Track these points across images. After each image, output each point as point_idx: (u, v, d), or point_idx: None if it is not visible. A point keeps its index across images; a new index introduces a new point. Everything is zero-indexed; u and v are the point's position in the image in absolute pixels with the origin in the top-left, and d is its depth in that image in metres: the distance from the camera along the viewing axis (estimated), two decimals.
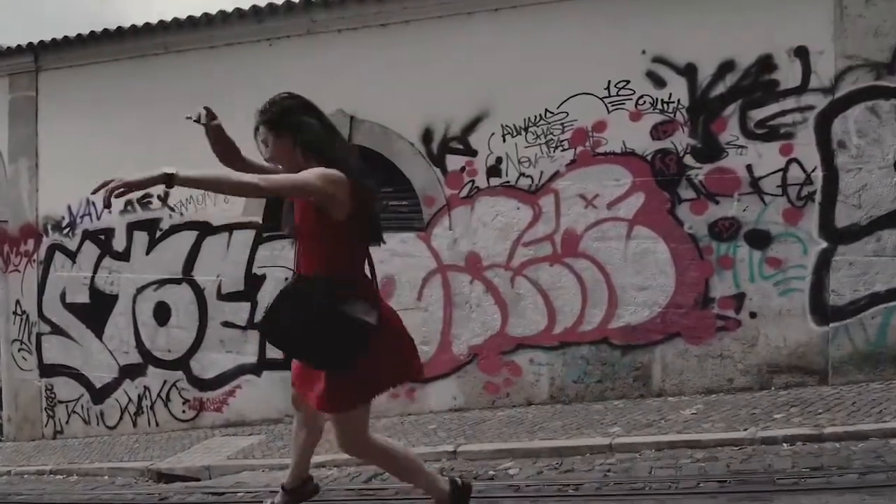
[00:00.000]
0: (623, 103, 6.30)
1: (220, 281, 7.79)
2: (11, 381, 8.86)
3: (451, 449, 5.61)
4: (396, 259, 7.03)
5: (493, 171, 6.71)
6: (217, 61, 7.77)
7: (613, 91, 6.32)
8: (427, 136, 6.93)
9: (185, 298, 7.95)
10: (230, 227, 7.75)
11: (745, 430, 4.96)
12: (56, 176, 8.69)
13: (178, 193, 7.98)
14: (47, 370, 8.70)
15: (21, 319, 8.84)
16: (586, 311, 6.38)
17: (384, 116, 7.06)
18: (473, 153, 6.77)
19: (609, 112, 6.33)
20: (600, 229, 6.35)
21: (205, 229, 7.88)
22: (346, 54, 7.21)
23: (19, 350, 8.82)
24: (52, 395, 8.67)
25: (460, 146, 6.83)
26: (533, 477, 4.86)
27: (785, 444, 4.70)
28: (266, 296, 7.55)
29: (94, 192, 2.41)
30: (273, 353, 7.53)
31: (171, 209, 8.06)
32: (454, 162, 6.85)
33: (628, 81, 6.28)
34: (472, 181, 6.78)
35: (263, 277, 7.62)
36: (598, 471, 4.76)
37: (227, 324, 7.77)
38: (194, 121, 2.90)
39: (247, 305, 7.67)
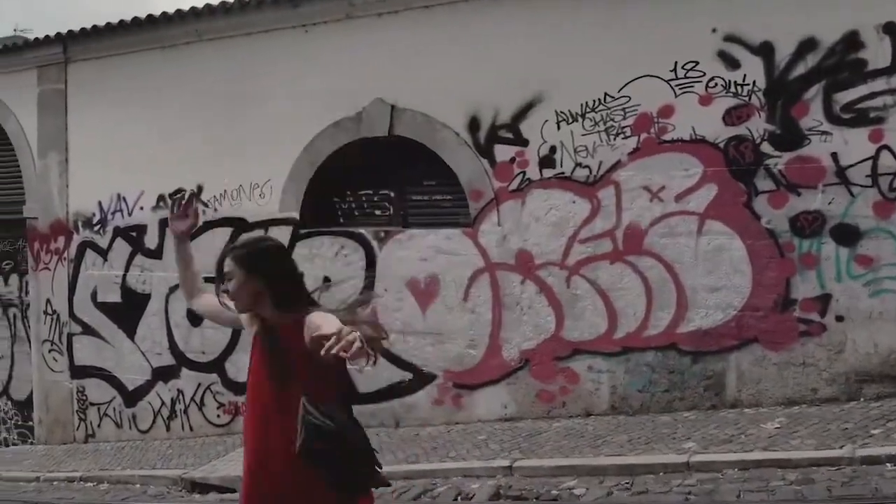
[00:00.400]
0: (692, 86, 5.75)
1: None
2: (42, 382, 8.60)
3: (506, 464, 5.16)
4: (441, 257, 6.58)
5: (547, 161, 6.21)
6: (251, 49, 7.39)
7: (681, 73, 5.77)
8: (473, 124, 6.45)
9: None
10: (266, 224, 7.37)
11: (841, 447, 4.43)
12: (86, 170, 8.41)
13: (212, 188, 7.65)
14: (78, 372, 8.42)
15: (52, 319, 8.58)
16: (652, 314, 5.85)
17: (427, 104, 6.61)
18: (524, 142, 6.28)
19: (676, 96, 5.78)
20: (667, 224, 5.81)
21: (240, 226, 7.51)
22: (387, 39, 6.77)
23: (50, 351, 8.56)
24: (84, 398, 8.40)
25: (510, 135, 6.34)
26: (602, 499, 4.40)
27: (889, 465, 4.19)
28: None
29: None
30: None
31: (206, 205, 7.69)
32: (503, 152, 6.36)
33: (697, 62, 5.73)
34: (523, 173, 6.28)
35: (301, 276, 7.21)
36: (677, 493, 4.27)
37: None
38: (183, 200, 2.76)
39: None
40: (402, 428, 6.65)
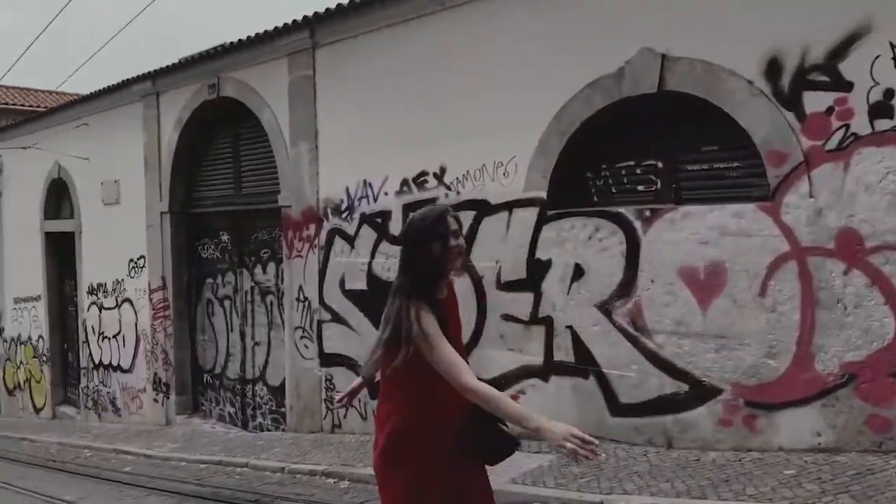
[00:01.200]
0: None
1: (499, 267, 6.64)
2: (294, 369, 8.66)
3: None
4: (727, 239, 5.25)
5: (881, 109, 4.61)
6: (497, 10, 6.63)
7: None
8: (773, 68, 5.04)
9: (462, 287, 6.84)
10: (509, 206, 6.56)
11: None
12: (334, 157, 8.29)
13: (455, 169, 7.03)
14: (327, 360, 8.33)
15: (303, 306, 8.60)
16: None
17: (708, 49, 5.32)
18: (847, 86, 4.73)
19: None
20: None
21: (483, 208, 6.79)
22: None
23: (301, 338, 8.58)
24: (332, 386, 8.27)
25: (825, 78, 4.83)
26: None
27: None
28: (552, 286, 6.24)
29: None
30: (563, 354, 6.20)
31: (448, 188, 7.11)
32: (816, 101, 4.87)
33: None
34: (846, 126, 4.75)
35: (549, 264, 6.30)
36: None
37: (507, 317, 6.60)
38: None
39: (529, 296, 6.42)
40: (677, 450, 5.44)
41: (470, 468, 2.62)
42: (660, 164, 5.84)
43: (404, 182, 7.51)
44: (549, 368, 6.29)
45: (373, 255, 7.84)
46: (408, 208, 7.48)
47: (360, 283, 7.98)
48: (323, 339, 8.38)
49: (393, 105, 7.55)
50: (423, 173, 7.33)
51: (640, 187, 5.95)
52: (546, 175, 6.29)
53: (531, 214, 6.39)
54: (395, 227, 7.60)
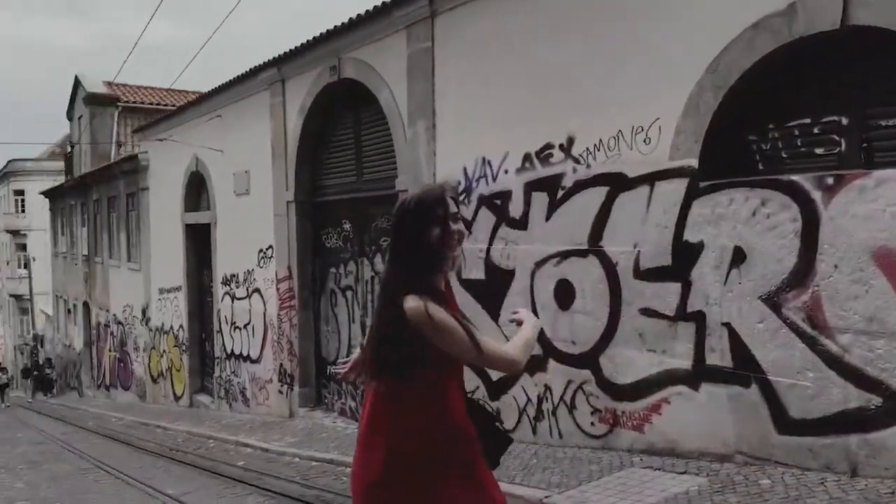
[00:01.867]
0: None
1: (637, 252, 5.67)
2: None
3: None
4: None
5: None
6: None
7: None
8: None
9: (592, 275, 6.03)
10: (651, 178, 5.57)
11: None
12: (452, 134, 7.63)
13: (584, 139, 6.13)
14: None
15: None
16: None
17: None
18: None
19: None
20: None
21: (618, 183, 5.85)
22: None
23: None
24: None
25: None
26: None
27: None
28: (704, 274, 5.20)
29: None
30: (717, 358, 5.14)
31: (576, 161, 6.22)
32: None
33: None
34: None
35: (700, 247, 5.26)
36: None
37: (647, 311, 5.62)
38: None
39: (676, 287, 5.41)
40: (863, 479, 4.27)
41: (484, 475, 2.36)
42: (844, 121, 4.65)
43: (526, 157, 6.69)
44: (699, 374, 5.25)
45: (491, 241, 7.09)
46: (530, 187, 6.68)
47: (477, 273, 7.26)
48: None
49: (515, 72, 6.77)
50: (548, 146, 6.48)
51: (819, 150, 4.77)
52: (698, 139, 5.25)
53: (679, 188, 5.37)
54: (516, 208, 6.81)
